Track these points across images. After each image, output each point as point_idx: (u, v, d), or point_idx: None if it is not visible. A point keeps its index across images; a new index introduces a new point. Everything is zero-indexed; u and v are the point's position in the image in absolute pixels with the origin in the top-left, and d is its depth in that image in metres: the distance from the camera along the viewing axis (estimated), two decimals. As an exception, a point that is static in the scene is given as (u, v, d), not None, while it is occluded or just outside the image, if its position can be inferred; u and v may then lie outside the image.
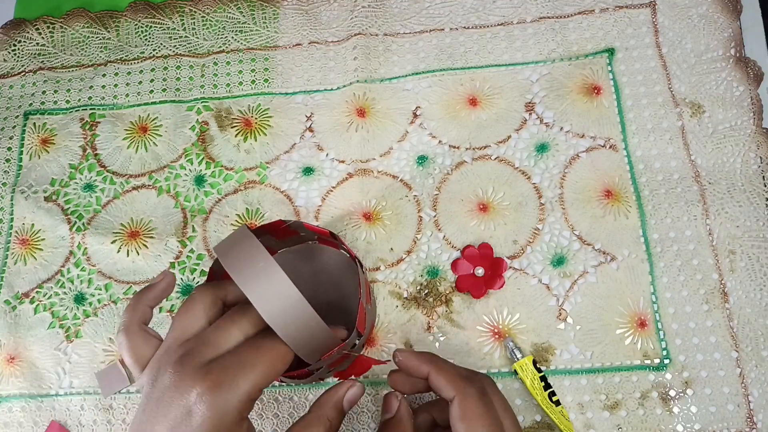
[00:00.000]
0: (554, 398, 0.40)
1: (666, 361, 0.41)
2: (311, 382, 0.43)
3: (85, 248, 0.48)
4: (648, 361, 0.42)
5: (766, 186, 0.44)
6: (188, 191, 0.49)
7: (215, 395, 0.28)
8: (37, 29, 0.55)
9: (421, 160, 0.48)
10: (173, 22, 0.54)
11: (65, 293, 0.47)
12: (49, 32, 0.55)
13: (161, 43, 0.54)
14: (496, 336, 0.43)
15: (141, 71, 0.53)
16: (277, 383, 0.44)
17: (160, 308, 0.46)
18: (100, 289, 0.47)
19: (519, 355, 0.41)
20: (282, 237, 0.43)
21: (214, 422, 0.27)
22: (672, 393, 0.41)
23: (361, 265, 0.40)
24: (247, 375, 0.29)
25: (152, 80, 0.53)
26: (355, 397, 0.33)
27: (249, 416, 0.43)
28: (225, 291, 0.34)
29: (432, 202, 0.47)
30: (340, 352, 0.34)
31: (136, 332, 0.32)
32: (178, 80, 0.52)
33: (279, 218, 0.42)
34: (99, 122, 0.52)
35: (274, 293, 0.30)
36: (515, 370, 0.41)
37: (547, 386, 0.40)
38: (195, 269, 0.47)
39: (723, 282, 0.43)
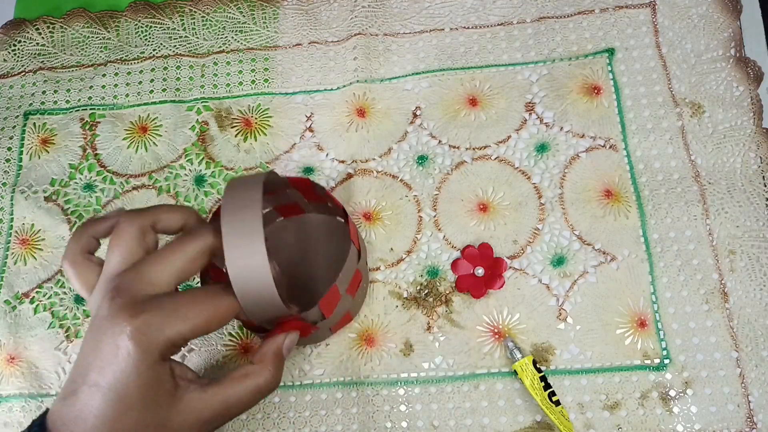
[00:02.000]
0: (554, 398, 0.40)
1: (666, 361, 0.41)
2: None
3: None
4: (648, 361, 0.42)
5: (766, 186, 0.44)
6: (188, 191, 0.49)
7: (142, 335, 0.29)
8: (37, 29, 0.55)
9: (421, 160, 0.48)
10: (173, 22, 0.54)
11: (65, 293, 0.47)
12: (49, 32, 0.55)
13: (161, 43, 0.54)
14: (496, 336, 0.43)
15: (141, 71, 0.53)
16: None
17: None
18: (100, 289, 0.47)
19: (519, 355, 0.41)
20: (311, 198, 0.43)
21: (136, 359, 0.29)
22: (672, 393, 0.41)
23: (359, 257, 0.40)
24: (177, 325, 0.30)
25: (152, 80, 0.53)
26: (292, 343, 0.35)
27: (248, 417, 0.43)
28: (153, 217, 0.34)
29: (432, 202, 0.47)
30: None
31: (80, 261, 0.33)
32: (178, 80, 0.52)
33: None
34: (99, 122, 0.52)
35: (245, 248, 0.31)
36: (515, 370, 0.41)
37: (547, 386, 0.40)
38: (195, 269, 0.47)
39: (723, 282, 0.43)
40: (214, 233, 0.33)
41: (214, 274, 0.40)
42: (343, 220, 0.45)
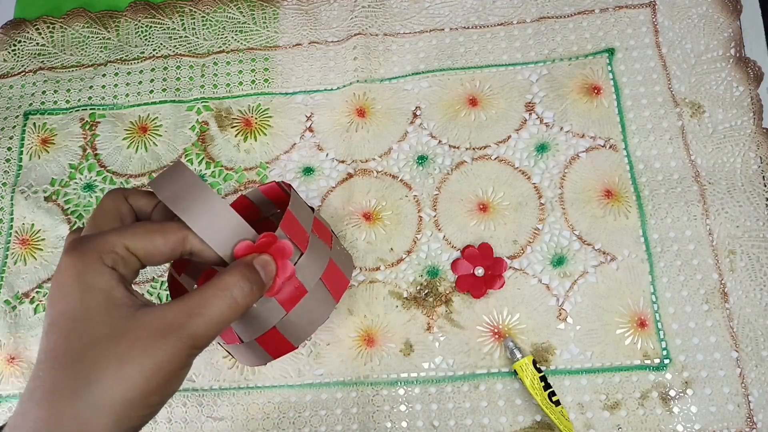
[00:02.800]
0: (554, 398, 0.40)
1: (666, 361, 0.41)
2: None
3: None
4: (648, 361, 0.42)
5: (766, 186, 0.44)
6: (188, 191, 0.49)
7: (79, 243, 0.27)
8: (37, 29, 0.55)
9: (421, 160, 0.48)
10: (173, 22, 0.54)
11: (65, 293, 0.47)
12: (49, 32, 0.55)
13: (161, 43, 0.54)
14: (496, 336, 0.43)
15: (141, 71, 0.53)
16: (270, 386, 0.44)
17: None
18: (100, 289, 0.47)
19: (519, 355, 0.41)
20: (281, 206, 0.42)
21: (72, 266, 0.27)
22: (672, 393, 0.41)
23: (313, 209, 0.39)
24: (118, 232, 0.28)
25: (152, 80, 0.53)
26: (265, 262, 0.31)
27: (247, 418, 0.43)
28: (126, 191, 0.32)
29: (432, 202, 0.47)
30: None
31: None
32: (178, 80, 0.52)
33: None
34: (99, 122, 0.52)
35: (176, 178, 0.30)
36: (515, 370, 0.41)
37: (547, 386, 0.40)
38: (195, 269, 0.47)
39: (723, 282, 0.43)
40: (125, 189, 0.32)
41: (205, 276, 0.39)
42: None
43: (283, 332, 0.34)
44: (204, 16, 0.54)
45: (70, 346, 0.26)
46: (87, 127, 0.52)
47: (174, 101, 0.52)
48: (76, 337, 0.26)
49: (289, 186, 0.39)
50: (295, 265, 0.33)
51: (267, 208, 0.42)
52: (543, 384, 0.40)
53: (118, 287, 0.27)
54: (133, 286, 0.44)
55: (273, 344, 0.35)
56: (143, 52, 0.54)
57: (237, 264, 0.29)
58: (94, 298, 0.26)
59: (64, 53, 0.54)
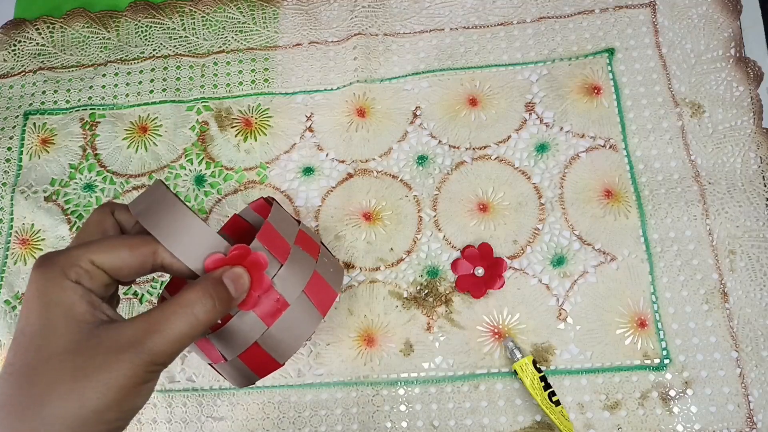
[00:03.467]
0: (554, 398, 0.40)
1: (666, 361, 0.41)
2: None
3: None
4: (648, 361, 0.42)
5: (766, 186, 0.44)
6: (188, 191, 0.49)
7: (45, 258, 0.27)
8: (37, 29, 0.55)
9: (421, 160, 0.48)
10: (173, 22, 0.54)
11: (65, 293, 0.47)
12: (49, 32, 0.55)
13: (161, 43, 0.54)
14: (496, 336, 0.43)
15: (141, 71, 0.53)
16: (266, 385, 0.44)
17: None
18: (100, 289, 0.47)
19: (519, 355, 0.41)
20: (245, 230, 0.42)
21: (37, 282, 0.27)
22: (672, 393, 0.41)
23: (299, 222, 0.38)
24: (84, 246, 0.28)
25: (152, 80, 0.53)
26: (236, 275, 0.30)
27: (247, 418, 0.43)
28: (113, 206, 0.32)
29: (432, 202, 0.47)
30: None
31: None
32: (178, 80, 0.52)
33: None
34: (99, 122, 0.52)
35: (150, 195, 0.30)
36: (515, 370, 0.41)
37: (547, 386, 0.40)
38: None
39: (723, 282, 0.43)
40: (112, 204, 0.32)
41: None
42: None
43: (266, 348, 0.33)
44: (204, 16, 0.54)
45: (27, 361, 0.25)
46: (87, 127, 0.52)
47: (174, 101, 0.52)
48: (34, 352, 0.25)
49: (273, 199, 0.39)
50: (273, 277, 0.32)
51: (261, 225, 0.41)
52: (543, 384, 0.40)
53: (80, 302, 0.27)
54: (133, 286, 0.44)
55: (257, 361, 0.34)
56: (143, 52, 0.54)
57: (201, 279, 0.29)
58: (55, 313, 0.26)
59: (64, 53, 0.54)
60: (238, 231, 0.41)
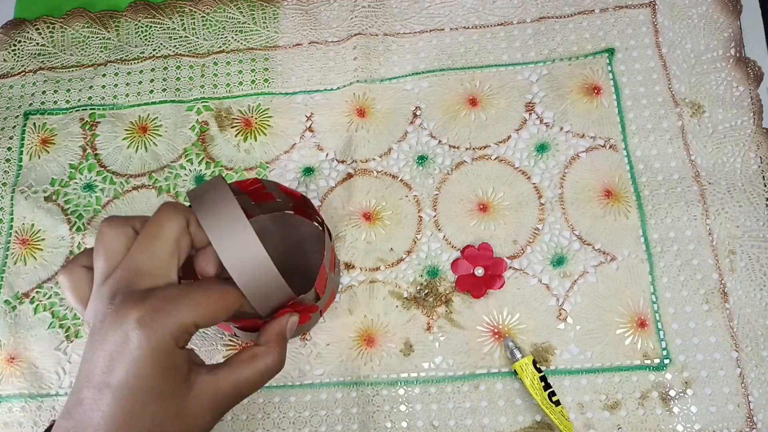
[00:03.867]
0: (554, 398, 0.40)
1: (666, 361, 0.41)
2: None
3: (85, 248, 0.48)
4: (648, 361, 0.42)
5: (766, 186, 0.44)
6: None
7: (152, 320, 0.27)
8: (37, 29, 0.55)
9: (421, 160, 0.48)
10: (173, 22, 0.54)
11: (65, 293, 0.47)
12: (49, 32, 0.55)
13: (161, 43, 0.54)
14: (496, 336, 0.43)
15: (141, 71, 0.53)
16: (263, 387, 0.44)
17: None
18: (100, 289, 0.47)
19: (519, 355, 0.41)
20: (259, 200, 0.43)
21: (150, 346, 0.27)
22: (672, 393, 0.41)
23: (330, 235, 0.41)
24: (189, 308, 0.29)
25: (152, 80, 0.53)
26: (294, 325, 0.34)
27: (248, 418, 0.43)
28: (133, 221, 0.32)
29: (432, 202, 0.47)
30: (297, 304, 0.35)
31: (74, 271, 0.31)
32: (178, 80, 0.52)
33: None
34: (99, 122, 0.52)
35: (237, 241, 0.31)
36: (515, 370, 0.41)
37: (547, 386, 0.40)
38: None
39: (723, 282, 0.43)
40: (185, 208, 0.31)
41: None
42: (292, 212, 0.46)
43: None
44: (204, 16, 0.54)
45: (136, 423, 0.27)
46: (87, 127, 0.52)
47: (174, 101, 0.52)
48: (137, 409, 0.27)
49: (321, 219, 0.42)
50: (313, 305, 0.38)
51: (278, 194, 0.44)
52: (543, 384, 0.40)
53: (185, 365, 0.29)
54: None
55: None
56: (143, 52, 0.54)
57: (274, 338, 0.33)
58: (169, 380, 0.28)
59: (64, 53, 0.54)
60: (251, 190, 0.42)
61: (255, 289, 0.31)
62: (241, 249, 0.31)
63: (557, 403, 0.40)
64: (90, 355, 0.28)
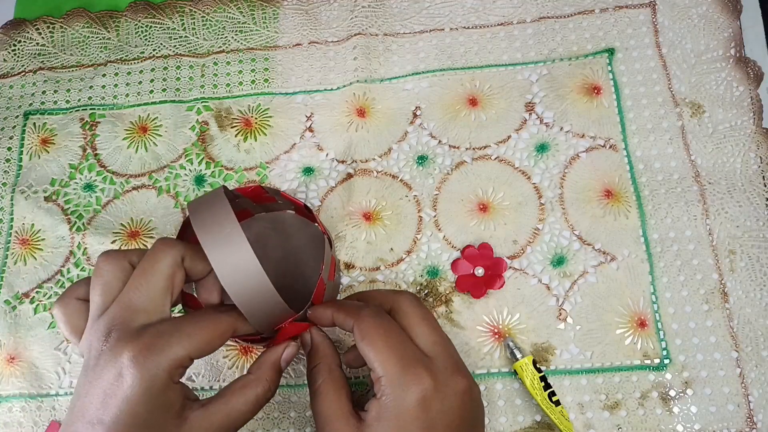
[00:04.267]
0: (554, 398, 0.40)
1: (666, 361, 0.41)
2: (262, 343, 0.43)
3: (85, 248, 0.48)
4: (648, 361, 0.42)
5: (766, 186, 0.44)
6: (188, 191, 0.49)
7: (146, 357, 0.28)
8: (37, 29, 0.55)
9: (421, 160, 0.48)
10: (173, 22, 0.54)
11: (65, 293, 0.47)
12: (49, 32, 0.55)
13: (161, 43, 0.54)
14: (496, 336, 0.43)
15: (141, 71, 0.53)
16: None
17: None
18: (100, 289, 0.47)
19: (519, 355, 0.41)
20: (260, 202, 0.44)
21: (144, 385, 0.28)
22: (672, 393, 0.41)
23: (331, 243, 0.41)
24: (182, 342, 0.29)
25: (152, 80, 0.53)
26: (290, 356, 0.35)
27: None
28: (130, 255, 0.33)
29: (432, 202, 0.47)
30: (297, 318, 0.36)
31: (69, 303, 0.32)
32: (178, 80, 0.52)
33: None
34: (99, 122, 0.52)
35: (235, 261, 0.31)
36: (515, 370, 0.41)
37: (547, 386, 0.40)
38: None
39: (723, 282, 0.43)
40: (179, 243, 0.32)
41: (188, 300, 0.40)
42: (294, 212, 0.46)
43: None
44: (204, 16, 0.54)
45: None
46: (87, 127, 0.52)
47: (174, 101, 0.52)
48: None
49: (324, 230, 0.41)
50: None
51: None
52: (543, 384, 0.40)
53: (179, 401, 0.30)
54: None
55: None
56: (143, 52, 0.54)
57: (267, 368, 0.34)
58: (162, 416, 0.29)
59: (64, 53, 0.54)
60: (253, 195, 0.43)
61: (254, 309, 0.32)
62: (238, 269, 0.31)
63: (557, 403, 0.40)
64: (85, 390, 0.29)
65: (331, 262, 0.40)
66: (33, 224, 0.50)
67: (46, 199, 0.50)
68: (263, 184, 0.41)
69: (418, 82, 0.50)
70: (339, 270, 0.45)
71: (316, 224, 0.43)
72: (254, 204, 0.44)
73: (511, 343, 0.42)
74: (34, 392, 0.45)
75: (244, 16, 0.53)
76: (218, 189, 0.34)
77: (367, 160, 0.48)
